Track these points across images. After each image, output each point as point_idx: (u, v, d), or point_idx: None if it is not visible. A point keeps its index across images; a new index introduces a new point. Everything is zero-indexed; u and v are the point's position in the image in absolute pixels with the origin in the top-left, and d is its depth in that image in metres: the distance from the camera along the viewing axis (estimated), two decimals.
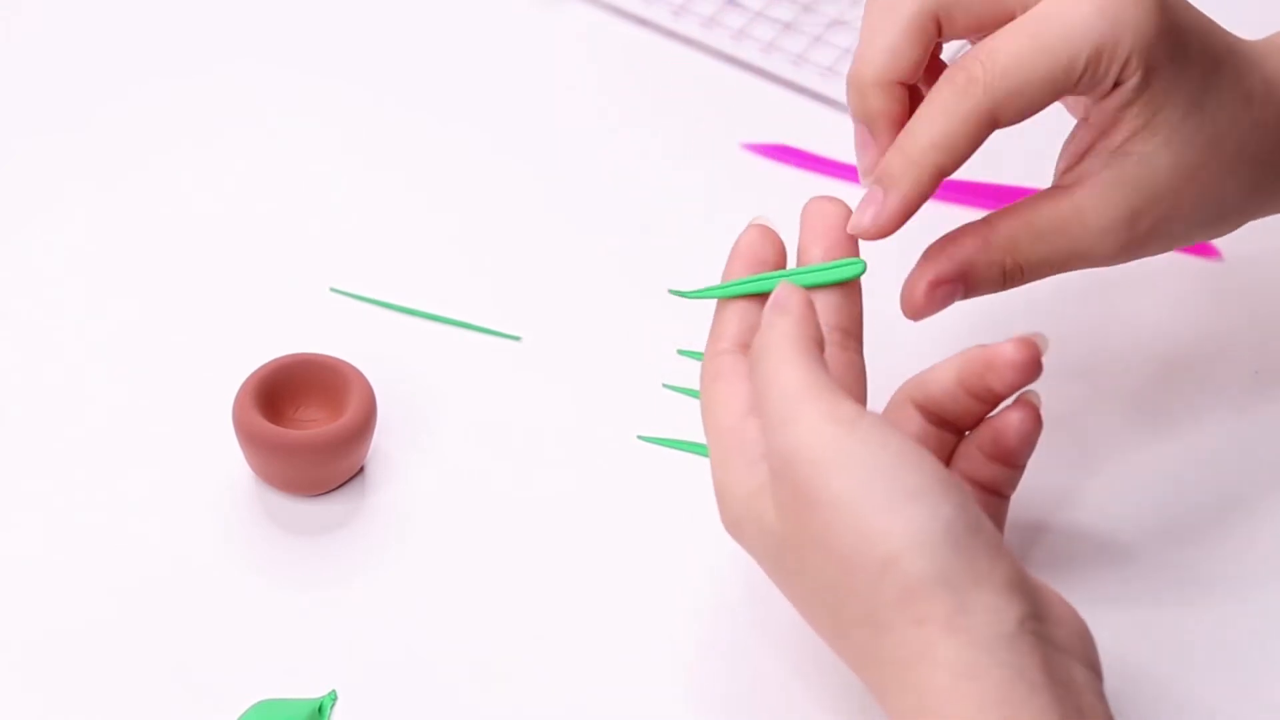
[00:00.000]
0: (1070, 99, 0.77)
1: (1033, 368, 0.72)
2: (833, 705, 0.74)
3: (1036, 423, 0.73)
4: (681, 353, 0.86)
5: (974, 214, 0.92)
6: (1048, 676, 0.63)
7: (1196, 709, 0.75)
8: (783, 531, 0.66)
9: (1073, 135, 0.75)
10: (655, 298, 0.89)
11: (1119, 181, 0.73)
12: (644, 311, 0.88)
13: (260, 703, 0.74)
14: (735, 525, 0.69)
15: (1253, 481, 0.82)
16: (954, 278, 0.73)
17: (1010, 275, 0.74)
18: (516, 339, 0.87)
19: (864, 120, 0.74)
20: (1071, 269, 0.75)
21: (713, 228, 0.92)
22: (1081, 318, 0.88)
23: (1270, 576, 0.79)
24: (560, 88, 0.99)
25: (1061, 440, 0.83)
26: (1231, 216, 0.77)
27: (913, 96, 0.75)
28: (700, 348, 0.86)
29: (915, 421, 0.73)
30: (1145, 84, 0.72)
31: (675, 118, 0.97)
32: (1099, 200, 0.73)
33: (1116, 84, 0.72)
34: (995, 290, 0.74)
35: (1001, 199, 0.92)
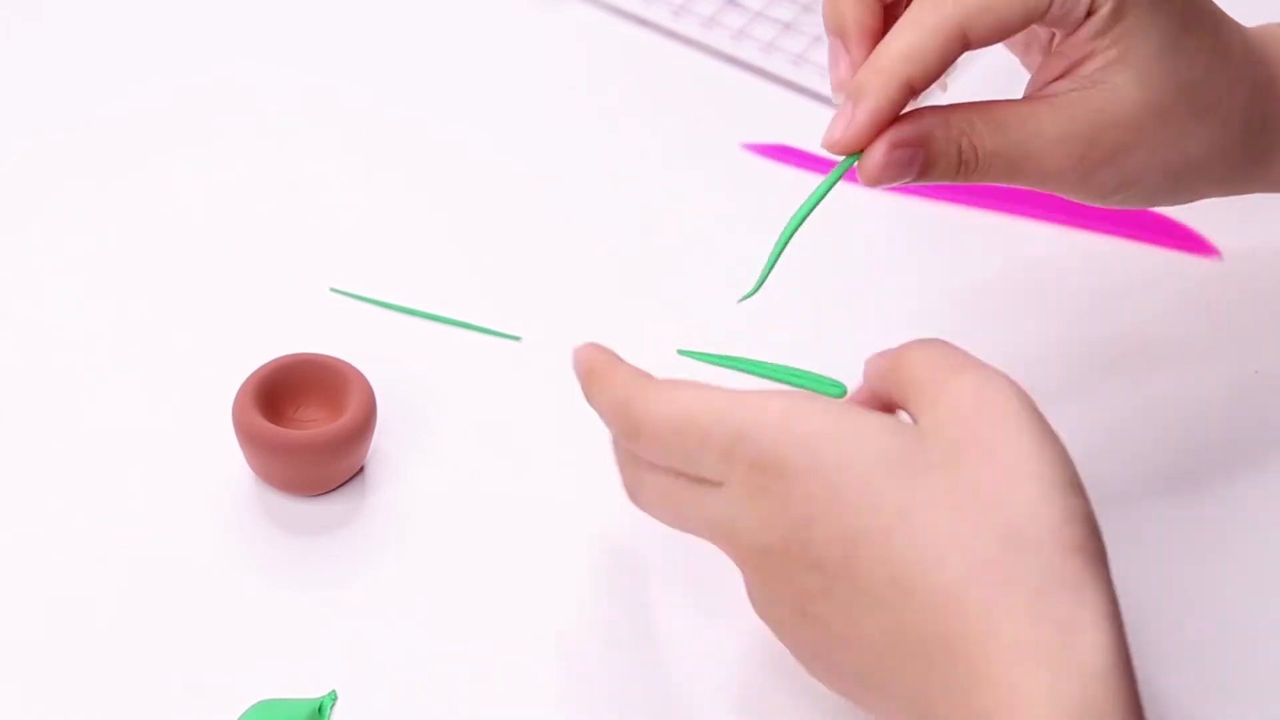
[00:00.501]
0: (1019, 46, 0.77)
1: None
2: (832, 707, 0.74)
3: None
4: (681, 353, 0.86)
5: (967, 211, 0.93)
6: None
7: (1202, 709, 0.75)
8: (937, 432, 0.65)
9: (1041, 67, 0.75)
10: (655, 298, 0.89)
11: (1084, 102, 0.73)
12: (644, 311, 0.88)
13: (260, 703, 0.74)
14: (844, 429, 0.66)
15: (1253, 480, 0.82)
16: (914, 142, 0.72)
17: (965, 158, 0.73)
18: (516, 339, 0.87)
19: (836, 31, 0.73)
20: (1024, 175, 0.73)
21: (713, 228, 0.92)
22: (1082, 318, 0.88)
23: (1273, 574, 0.79)
24: (560, 88, 0.99)
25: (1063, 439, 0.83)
26: (1192, 173, 0.75)
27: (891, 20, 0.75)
28: (700, 348, 0.86)
29: None
30: (1119, 13, 0.72)
31: (675, 118, 0.97)
32: (1061, 114, 0.73)
33: (1090, 14, 0.72)
34: (949, 175, 0.73)
35: (996, 198, 0.92)
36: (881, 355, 0.69)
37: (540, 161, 0.95)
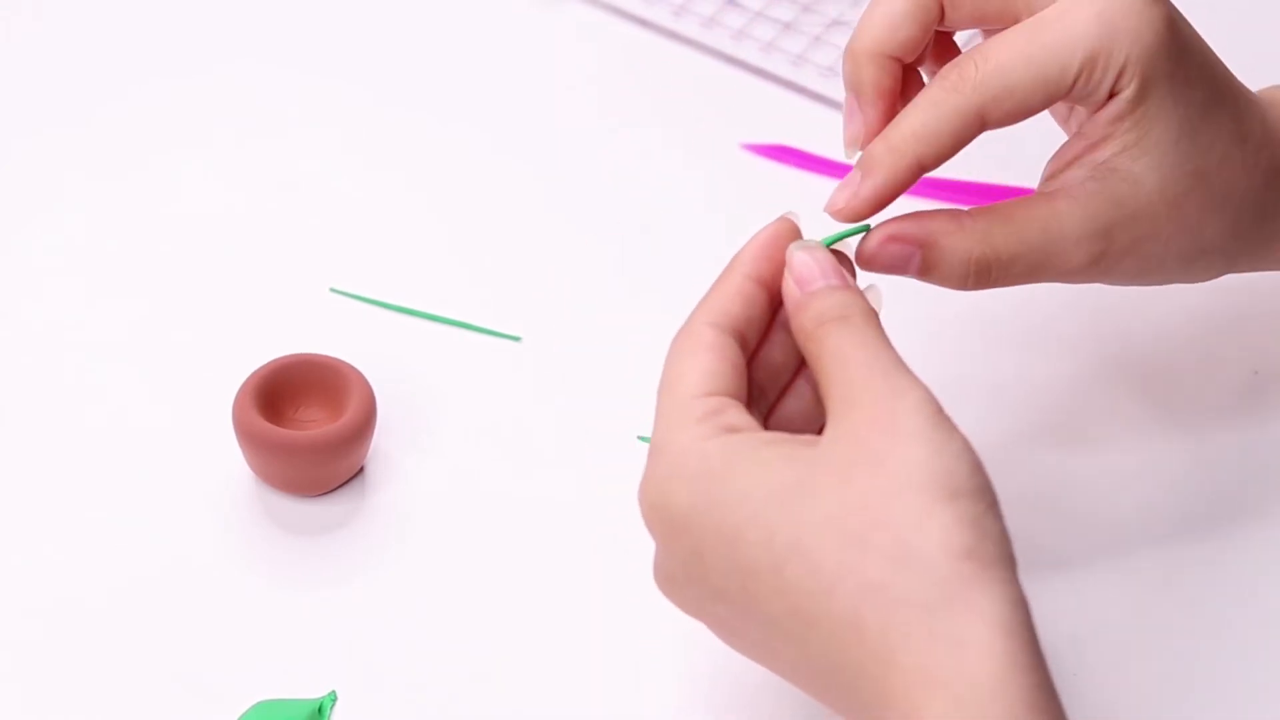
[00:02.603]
0: (1061, 112, 0.77)
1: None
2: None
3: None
4: None
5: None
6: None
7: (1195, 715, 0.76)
8: (831, 454, 0.64)
9: (1063, 147, 0.75)
10: (655, 297, 0.89)
11: (1101, 193, 0.73)
12: (644, 311, 0.88)
13: (260, 703, 0.74)
14: (730, 452, 0.66)
15: (1252, 481, 0.82)
16: (913, 241, 0.71)
17: (979, 269, 0.72)
18: (516, 339, 0.87)
19: (854, 89, 0.74)
20: (1042, 275, 0.73)
21: (713, 228, 0.92)
22: (1082, 318, 0.88)
23: (1271, 576, 0.79)
24: (560, 88, 0.99)
25: (1061, 440, 0.83)
26: (1208, 257, 0.75)
27: (911, 81, 0.75)
28: None
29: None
30: (1141, 98, 0.71)
31: (675, 118, 0.97)
32: (1078, 208, 0.73)
33: (1112, 95, 0.72)
34: (953, 280, 0.72)
35: (995, 198, 0.91)
36: (809, 320, 0.68)
37: (540, 161, 0.95)
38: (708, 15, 1.01)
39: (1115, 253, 0.73)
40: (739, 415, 0.67)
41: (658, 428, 0.68)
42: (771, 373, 0.71)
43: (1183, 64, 0.72)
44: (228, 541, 0.80)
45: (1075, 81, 0.71)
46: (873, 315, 0.67)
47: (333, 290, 0.89)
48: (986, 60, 0.71)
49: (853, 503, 0.63)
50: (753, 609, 0.65)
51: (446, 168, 0.95)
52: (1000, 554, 0.62)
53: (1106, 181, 0.73)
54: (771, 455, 0.65)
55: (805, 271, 0.69)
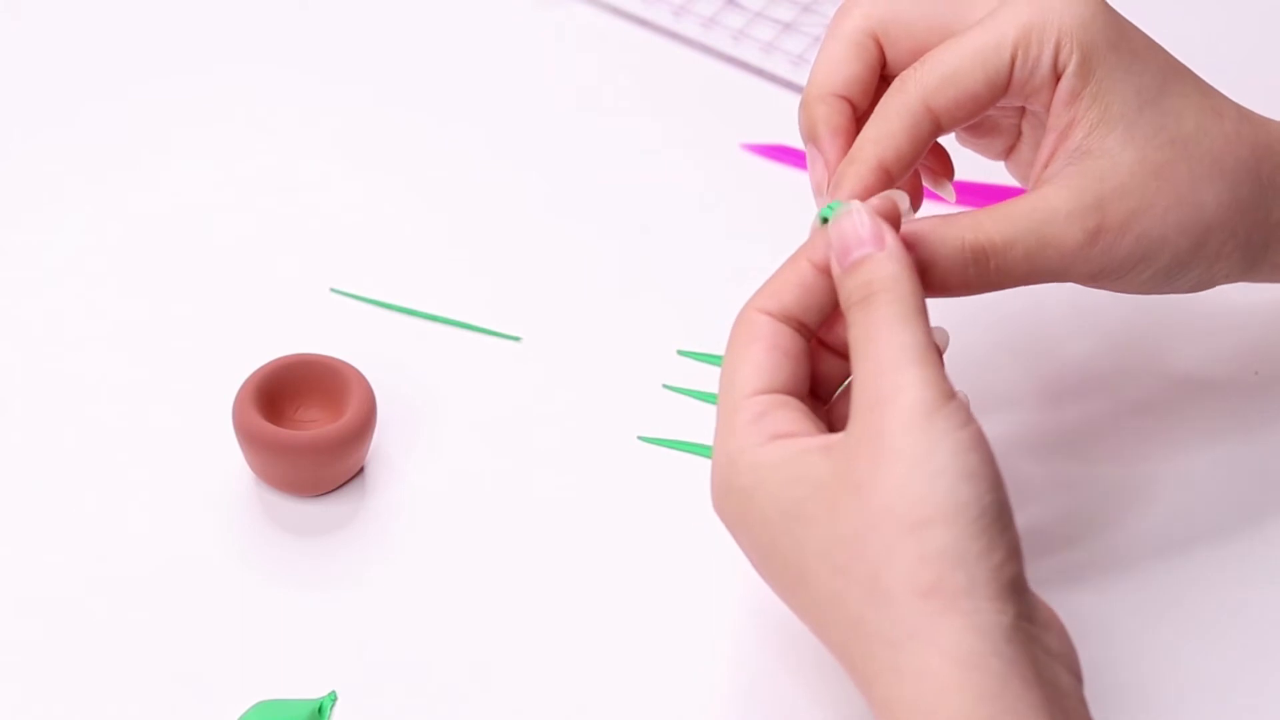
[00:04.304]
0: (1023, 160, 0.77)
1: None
2: (835, 707, 0.74)
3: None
4: (681, 353, 0.86)
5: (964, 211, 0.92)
6: (1038, 675, 0.63)
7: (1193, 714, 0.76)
8: (829, 473, 0.65)
9: (1038, 151, 0.74)
10: (655, 297, 0.89)
11: (1083, 173, 0.72)
12: (644, 311, 0.88)
13: (260, 703, 0.74)
14: (750, 474, 0.67)
15: (1253, 482, 0.82)
16: (904, 241, 0.70)
17: (975, 254, 0.71)
18: (516, 339, 0.87)
19: (808, 134, 0.75)
20: (1045, 262, 0.72)
21: (713, 228, 0.92)
22: (1081, 317, 0.88)
23: (1273, 577, 0.79)
24: (560, 88, 0.99)
25: (1060, 441, 0.83)
26: (1216, 234, 0.74)
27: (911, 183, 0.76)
28: (700, 348, 0.86)
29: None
30: (1086, 70, 0.72)
31: (675, 118, 0.97)
32: (1065, 190, 0.72)
33: (1058, 78, 0.72)
34: (954, 272, 0.71)
35: (993, 198, 0.91)
36: (842, 304, 0.68)
37: (540, 161, 0.95)
38: (708, 15, 1.01)
39: (1111, 226, 0.72)
40: (786, 416, 0.67)
41: (715, 429, 0.69)
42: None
43: (1125, 38, 0.72)
44: (228, 541, 0.80)
45: (1013, 60, 0.71)
46: (895, 284, 0.66)
47: (333, 290, 0.89)
48: (925, 60, 0.72)
49: (841, 534, 0.64)
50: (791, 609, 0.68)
51: (446, 168, 0.95)
52: (976, 578, 0.63)
53: (1086, 163, 0.72)
54: (784, 476, 0.66)
55: (842, 242, 0.68)
